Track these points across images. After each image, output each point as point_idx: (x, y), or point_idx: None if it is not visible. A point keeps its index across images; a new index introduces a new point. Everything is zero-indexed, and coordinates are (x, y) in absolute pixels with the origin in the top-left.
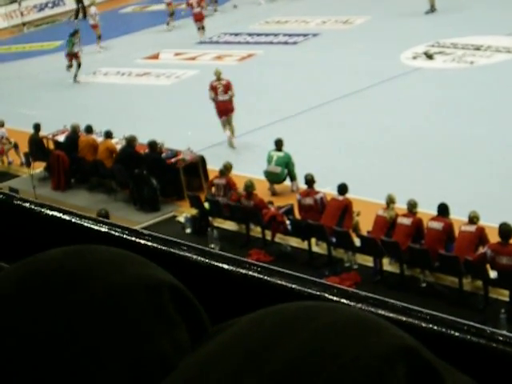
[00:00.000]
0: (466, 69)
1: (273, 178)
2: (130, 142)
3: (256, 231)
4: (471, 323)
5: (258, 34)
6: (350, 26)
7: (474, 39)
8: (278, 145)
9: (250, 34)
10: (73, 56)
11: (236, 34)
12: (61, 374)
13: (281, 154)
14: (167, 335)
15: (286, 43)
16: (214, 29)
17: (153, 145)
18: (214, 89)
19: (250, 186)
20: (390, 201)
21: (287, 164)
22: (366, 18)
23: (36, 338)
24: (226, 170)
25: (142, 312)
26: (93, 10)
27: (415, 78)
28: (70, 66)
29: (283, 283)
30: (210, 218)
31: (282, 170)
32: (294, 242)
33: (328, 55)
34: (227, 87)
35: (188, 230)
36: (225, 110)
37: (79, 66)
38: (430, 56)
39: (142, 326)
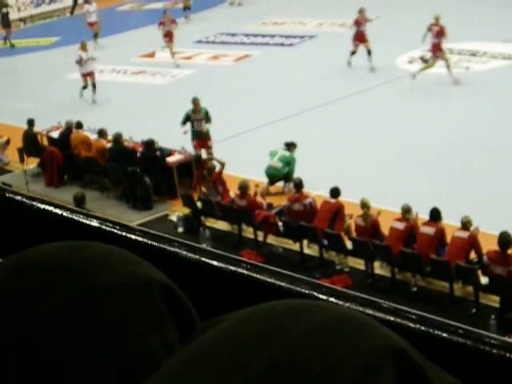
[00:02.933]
0: (462, 74)
1: (272, 172)
2: (117, 139)
3: (248, 232)
4: (459, 324)
5: (255, 35)
6: (347, 28)
7: (470, 45)
8: (289, 146)
9: (246, 35)
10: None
11: (233, 35)
12: (49, 369)
13: (286, 153)
14: (157, 334)
15: (282, 45)
16: (210, 28)
17: (149, 143)
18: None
19: (244, 186)
20: (364, 205)
21: (289, 164)
22: None
23: (24, 332)
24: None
25: (132, 310)
26: (93, 7)
27: (410, 82)
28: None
29: (272, 281)
30: (203, 218)
31: (282, 167)
32: (286, 243)
33: (324, 57)
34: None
35: (180, 229)
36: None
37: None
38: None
39: (132, 325)
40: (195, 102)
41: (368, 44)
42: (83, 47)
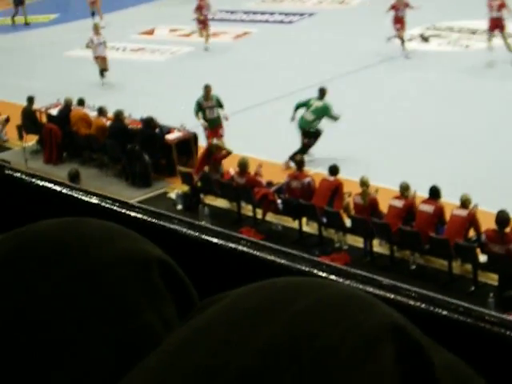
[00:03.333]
0: (461, 52)
1: (302, 125)
2: (118, 116)
3: (247, 209)
4: (459, 302)
5: (254, 13)
6: (347, 6)
7: (470, 23)
8: (321, 93)
9: (245, 12)
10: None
11: (232, 12)
12: (49, 344)
13: (320, 103)
14: (156, 310)
15: (281, 22)
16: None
17: (148, 121)
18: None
19: (243, 164)
20: (363, 184)
21: (324, 112)
22: None
23: (22, 308)
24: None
25: (130, 286)
26: None
27: (410, 60)
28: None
29: (272, 258)
30: (202, 195)
31: (313, 120)
32: (285, 221)
33: (324, 35)
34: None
35: (179, 207)
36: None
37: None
38: (425, 39)
39: (130, 300)
40: (207, 88)
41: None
42: (96, 30)
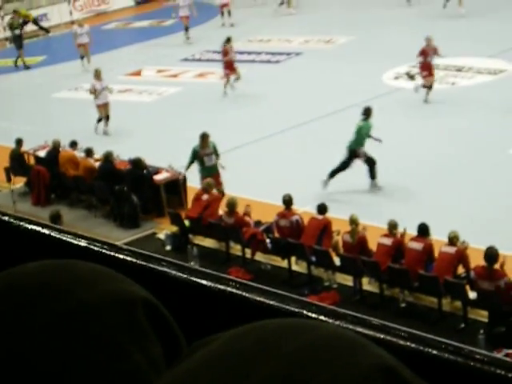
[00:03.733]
0: (448, 89)
1: (348, 146)
2: (108, 157)
3: (236, 249)
4: (449, 341)
5: (241, 52)
6: (333, 45)
7: (456, 60)
8: (365, 112)
9: None
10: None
11: (219, 52)
12: None
13: (361, 122)
14: (141, 350)
15: (268, 62)
16: (196, 46)
17: (136, 162)
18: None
19: (232, 204)
20: (352, 222)
21: (360, 131)
22: (348, 37)
23: (10, 350)
24: (208, 187)
25: (115, 327)
26: (83, 28)
27: (397, 98)
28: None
29: (262, 299)
30: (190, 236)
31: (355, 139)
32: (274, 260)
33: (310, 74)
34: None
35: (168, 247)
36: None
37: (108, 118)
38: (411, 76)
39: (116, 341)
40: (204, 137)
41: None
42: (97, 76)
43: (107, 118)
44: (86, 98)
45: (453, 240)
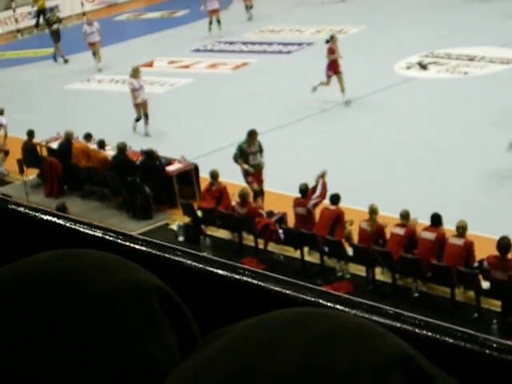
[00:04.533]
0: (460, 79)
1: None
2: (122, 149)
3: (249, 240)
4: (465, 330)
5: (253, 43)
6: (345, 35)
7: (468, 50)
8: None
9: (244, 43)
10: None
11: (230, 43)
12: (48, 375)
13: None
14: (155, 338)
15: (280, 52)
16: (208, 37)
17: (149, 153)
18: None
19: (245, 194)
20: (372, 211)
21: None
22: (360, 27)
23: (23, 339)
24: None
25: (129, 315)
26: (93, 27)
27: (409, 88)
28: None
29: (278, 289)
30: (203, 226)
31: None
32: (287, 250)
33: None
34: None
35: (181, 238)
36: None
37: (147, 117)
38: (423, 66)
39: (130, 329)
40: (253, 134)
41: None
42: (135, 74)
43: (146, 116)
44: (97, 89)
45: (460, 230)
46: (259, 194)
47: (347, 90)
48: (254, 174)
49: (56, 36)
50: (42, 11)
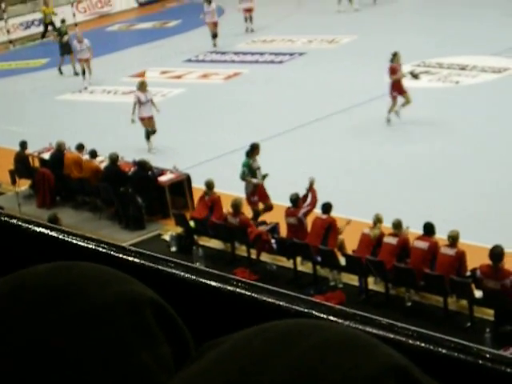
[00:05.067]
0: (452, 88)
1: None
2: (114, 159)
3: (241, 250)
4: (458, 340)
5: (244, 53)
6: (336, 45)
7: (460, 59)
8: None
9: (236, 53)
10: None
11: (222, 53)
12: None
13: None
14: (149, 350)
15: (272, 62)
16: (200, 47)
17: (141, 163)
18: None
19: (237, 204)
20: (378, 220)
21: None
22: (352, 37)
23: (19, 351)
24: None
25: (124, 327)
26: (83, 44)
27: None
28: (151, 133)
29: (271, 300)
30: (196, 236)
31: None
32: (280, 260)
33: (314, 74)
34: None
35: (173, 249)
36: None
37: (154, 132)
38: (415, 76)
39: (124, 341)
40: (256, 147)
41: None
42: (142, 88)
43: (154, 132)
44: (89, 100)
45: (451, 240)
46: (262, 213)
47: (338, 100)
48: (262, 188)
49: (67, 47)
50: (50, 22)
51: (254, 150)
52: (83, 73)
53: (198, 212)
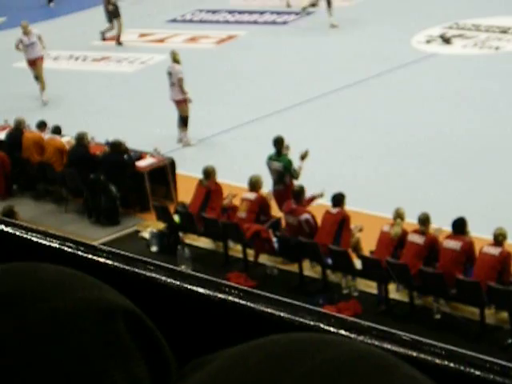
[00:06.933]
0: (490, 55)
1: None
2: (81, 140)
3: (236, 250)
4: (494, 360)
5: (241, 12)
6: (352, 2)
7: (500, 20)
8: None
9: (230, 12)
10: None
11: (214, 12)
12: None
13: None
14: (121, 369)
15: (273, 23)
16: (187, 5)
17: (115, 145)
18: None
19: (257, 180)
20: (398, 216)
21: None
22: None
23: None
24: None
25: (91, 341)
26: (31, 38)
27: (429, 65)
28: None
29: (270, 311)
30: (181, 234)
31: None
32: (282, 263)
33: (324, 38)
34: None
35: (154, 248)
36: None
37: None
38: (446, 40)
39: (92, 358)
40: (280, 141)
41: None
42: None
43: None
44: (53, 67)
45: (498, 238)
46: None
47: (354, 69)
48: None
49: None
50: None
51: (278, 144)
52: (36, 78)
53: (192, 205)
